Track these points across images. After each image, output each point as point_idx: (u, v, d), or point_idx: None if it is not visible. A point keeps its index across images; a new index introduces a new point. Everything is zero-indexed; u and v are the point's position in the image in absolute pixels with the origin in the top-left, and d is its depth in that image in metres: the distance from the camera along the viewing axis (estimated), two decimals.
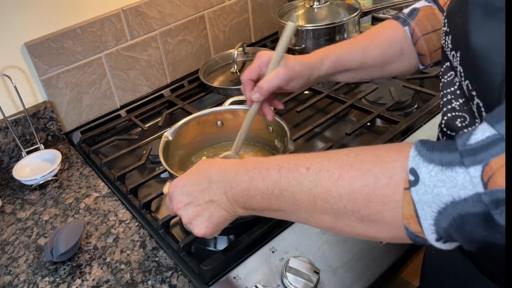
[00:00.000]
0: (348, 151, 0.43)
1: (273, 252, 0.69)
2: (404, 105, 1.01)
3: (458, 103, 0.47)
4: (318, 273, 0.63)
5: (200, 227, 0.54)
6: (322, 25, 1.13)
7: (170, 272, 0.69)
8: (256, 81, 0.67)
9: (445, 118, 0.50)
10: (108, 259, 0.73)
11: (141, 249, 0.73)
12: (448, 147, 0.35)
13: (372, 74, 0.73)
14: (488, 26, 0.41)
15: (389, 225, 0.39)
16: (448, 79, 0.50)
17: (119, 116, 1.13)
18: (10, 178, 0.95)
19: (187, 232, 0.76)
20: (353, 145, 0.93)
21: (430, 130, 0.91)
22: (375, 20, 1.40)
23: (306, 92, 1.10)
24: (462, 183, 0.33)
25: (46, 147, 1.01)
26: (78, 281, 0.70)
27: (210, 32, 1.25)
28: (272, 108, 0.72)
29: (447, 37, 0.50)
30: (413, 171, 0.36)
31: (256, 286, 0.63)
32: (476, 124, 0.43)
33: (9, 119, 0.96)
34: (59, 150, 0.98)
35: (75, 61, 1.03)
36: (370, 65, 0.70)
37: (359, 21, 1.19)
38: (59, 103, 1.04)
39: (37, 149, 1.00)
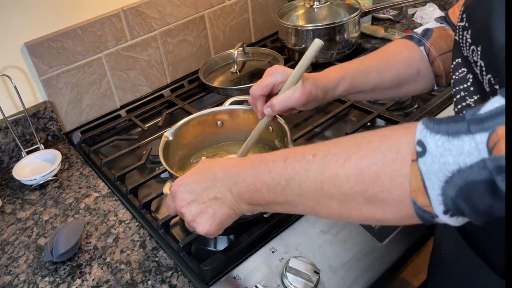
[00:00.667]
0: (354, 135, 0.43)
1: (273, 252, 0.69)
2: (404, 105, 1.01)
3: (472, 99, 0.47)
4: (318, 273, 0.63)
5: (203, 225, 0.54)
6: (322, 25, 1.13)
7: (170, 272, 0.69)
8: (267, 96, 0.67)
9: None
10: (108, 259, 0.73)
11: (141, 249, 0.73)
12: (455, 119, 0.35)
13: (386, 95, 0.72)
14: None
15: (397, 203, 0.39)
16: (460, 75, 0.49)
17: (119, 116, 1.13)
18: (10, 178, 0.95)
19: (187, 232, 0.76)
20: None
21: None
22: (375, 20, 1.40)
23: None
24: (468, 150, 0.33)
25: (46, 147, 1.01)
26: (78, 281, 0.70)
27: (210, 32, 1.25)
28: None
29: (465, 32, 0.49)
30: (420, 143, 0.36)
31: (256, 286, 0.63)
32: None
33: (9, 119, 0.96)
34: (59, 150, 0.98)
35: (75, 61, 1.03)
36: (385, 86, 0.68)
37: (359, 21, 1.19)
38: (59, 103, 1.04)
39: (37, 149, 1.00)
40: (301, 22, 1.20)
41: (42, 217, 0.84)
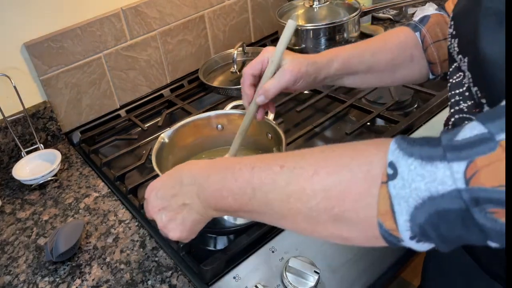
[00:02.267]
0: (323, 148, 0.42)
1: (273, 252, 0.69)
2: (404, 105, 1.01)
3: (466, 104, 0.47)
4: (318, 273, 0.63)
5: (174, 231, 0.54)
6: (322, 25, 1.13)
7: (170, 272, 0.69)
8: (258, 76, 0.66)
9: (452, 119, 0.49)
10: (108, 259, 0.72)
11: (141, 249, 0.73)
12: (430, 142, 0.34)
13: (381, 80, 0.71)
14: (498, 34, 0.40)
15: (363, 223, 0.37)
16: (457, 79, 0.49)
17: (118, 116, 1.13)
18: (9, 178, 0.95)
19: None
20: None
21: (430, 130, 0.91)
22: (375, 20, 1.40)
23: (306, 92, 1.10)
24: (441, 178, 0.32)
25: (45, 147, 1.01)
26: (78, 281, 0.70)
27: (210, 32, 1.25)
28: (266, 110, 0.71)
29: (453, 40, 0.49)
30: (392, 165, 0.35)
31: (256, 286, 0.63)
32: None
33: (8, 119, 0.96)
34: (58, 150, 0.98)
35: (75, 61, 1.03)
36: (380, 69, 0.68)
37: (359, 20, 1.19)
38: (58, 103, 1.04)
39: (36, 149, 1.00)
40: (301, 22, 1.20)
41: (42, 217, 0.84)
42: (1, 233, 0.81)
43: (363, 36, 1.31)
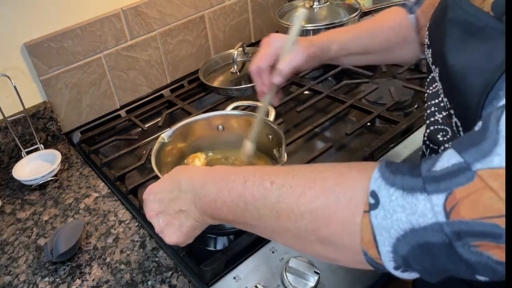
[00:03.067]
0: (313, 167, 0.42)
1: (273, 252, 0.69)
2: (404, 105, 1.01)
3: (441, 115, 0.47)
4: (318, 274, 0.63)
5: (170, 236, 0.54)
6: (322, 25, 1.13)
7: (170, 272, 0.69)
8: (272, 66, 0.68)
9: (427, 130, 0.49)
10: (108, 259, 0.72)
11: (141, 249, 0.73)
12: (412, 171, 0.34)
13: (376, 59, 0.75)
14: (465, 46, 0.40)
15: (348, 249, 0.37)
16: (433, 90, 0.49)
17: (119, 116, 1.13)
18: (10, 178, 0.95)
19: None
20: (353, 145, 0.93)
21: None
22: None
23: (306, 92, 1.10)
24: (422, 210, 0.32)
25: (46, 147, 1.01)
26: (78, 281, 0.70)
27: (210, 32, 1.25)
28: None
29: (428, 50, 0.49)
30: (373, 194, 0.35)
31: (256, 287, 0.63)
32: None
33: (9, 119, 0.96)
34: (59, 150, 0.98)
35: (75, 61, 1.03)
36: (375, 50, 0.72)
37: (359, 21, 1.18)
38: (58, 103, 1.04)
39: (37, 149, 1.00)
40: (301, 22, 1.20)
41: (42, 217, 0.84)
42: (1, 233, 0.81)
43: None
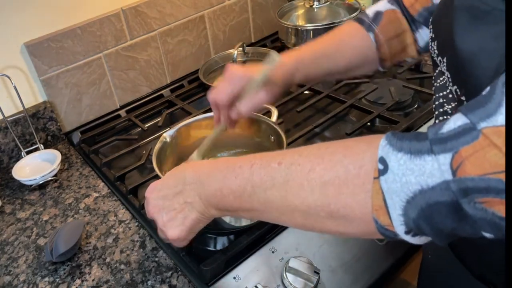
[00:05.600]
0: (319, 145, 0.43)
1: (273, 252, 0.69)
2: (404, 105, 1.01)
3: (450, 106, 0.47)
4: (318, 273, 0.63)
5: (173, 230, 0.54)
6: (322, 25, 1.13)
7: (170, 272, 0.69)
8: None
9: (437, 121, 0.49)
10: (108, 259, 0.72)
11: (141, 249, 0.73)
12: (418, 136, 0.35)
13: (336, 78, 0.78)
14: (474, 30, 0.40)
15: (359, 219, 0.38)
16: (441, 83, 0.49)
17: (119, 116, 1.13)
18: (9, 178, 0.95)
19: None
20: None
21: None
22: None
23: (306, 92, 1.10)
24: (430, 171, 0.33)
25: (45, 147, 1.01)
26: (78, 281, 0.70)
27: (210, 32, 1.25)
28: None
29: (433, 43, 0.49)
30: (382, 160, 0.35)
31: (256, 287, 0.63)
32: None
33: (8, 119, 0.96)
34: (58, 150, 0.98)
35: (75, 61, 1.03)
36: (336, 72, 0.71)
37: None
38: (58, 103, 1.04)
39: (36, 149, 1.00)
40: (301, 22, 1.20)
41: (42, 217, 0.84)
42: (1, 233, 0.81)
43: None
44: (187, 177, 0.53)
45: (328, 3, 1.20)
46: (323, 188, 0.39)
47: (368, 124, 0.95)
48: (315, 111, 1.05)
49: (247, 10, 1.32)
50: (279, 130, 0.74)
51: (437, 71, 0.51)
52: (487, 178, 0.30)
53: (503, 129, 0.30)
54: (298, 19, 1.21)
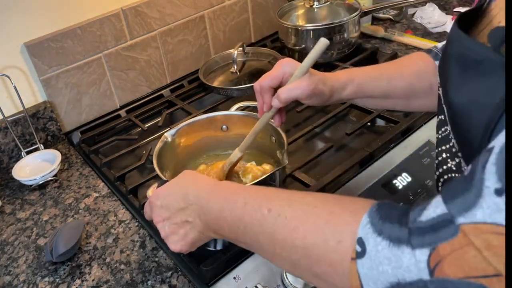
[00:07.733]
0: (311, 199, 0.42)
1: None
2: None
3: (454, 162, 0.44)
4: None
5: (175, 244, 0.55)
6: (322, 25, 1.13)
7: (170, 272, 0.69)
8: (275, 88, 0.65)
9: (441, 180, 0.47)
10: (108, 259, 0.72)
11: (141, 249, 0.73)
12: (401, 219, 0.34)
13: (396, 105, 0.69)
14: (466, 82, 0.38)
15: (340, 287, 0.38)
16: (443, 134, 0.46)
17: (119, 116, 1.13)
18: (9, 178, 0.95)
19: None
20: (353, 145, 0.93)
21: (430, 130, 0.91)
22: (375, 20, 1.40)
23: None
24: (407, 265, 0.31)
25: (45, 147, 1.01)
26: (78, 281, 0.69)
27: (210, 32, 1.25)
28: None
29: (440, 90, 0.48)
30: (360, 242, 0.35)
31: (256, 286, 0.63)
32: None
33: (8, 119, 0.96)
34: (58, 150, 0.98)
35: (75, 61, 1.03)
36: (395, 96, 0.66)
37: (359, 21, 1.18)
38: (58, 103, 1.04)
39: (36, 149, 1.00)
40: (301, 22, 1.20)
41: (42, 217, 0.84)
42: (1, 233, 0.81)
43: (363, 36, 1.31)
44: (189, 196, 0.53)
45: (328, 3, 1.20)
46: (305, 250, 0.39)
47: (368, 124, 0.95)
48: (315, 111, 1.05)
49: (247, 10, 1.32)
50: (280, 130, 0.74)
51: (438, 118, 0.48)
52: (467, 282, 0.29)
53: (482, 227, 0.29)
54: (298, 19, 1.21)
